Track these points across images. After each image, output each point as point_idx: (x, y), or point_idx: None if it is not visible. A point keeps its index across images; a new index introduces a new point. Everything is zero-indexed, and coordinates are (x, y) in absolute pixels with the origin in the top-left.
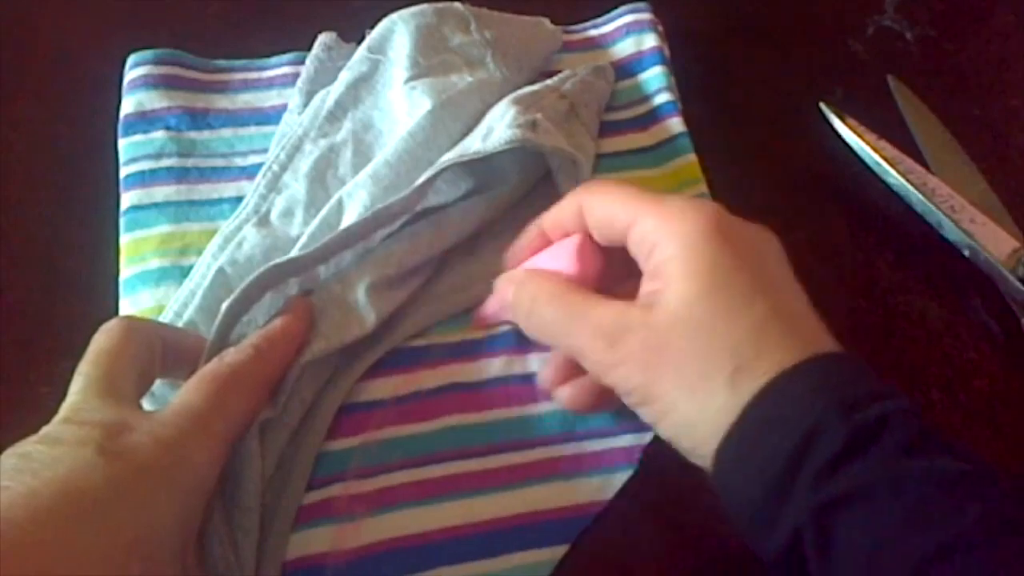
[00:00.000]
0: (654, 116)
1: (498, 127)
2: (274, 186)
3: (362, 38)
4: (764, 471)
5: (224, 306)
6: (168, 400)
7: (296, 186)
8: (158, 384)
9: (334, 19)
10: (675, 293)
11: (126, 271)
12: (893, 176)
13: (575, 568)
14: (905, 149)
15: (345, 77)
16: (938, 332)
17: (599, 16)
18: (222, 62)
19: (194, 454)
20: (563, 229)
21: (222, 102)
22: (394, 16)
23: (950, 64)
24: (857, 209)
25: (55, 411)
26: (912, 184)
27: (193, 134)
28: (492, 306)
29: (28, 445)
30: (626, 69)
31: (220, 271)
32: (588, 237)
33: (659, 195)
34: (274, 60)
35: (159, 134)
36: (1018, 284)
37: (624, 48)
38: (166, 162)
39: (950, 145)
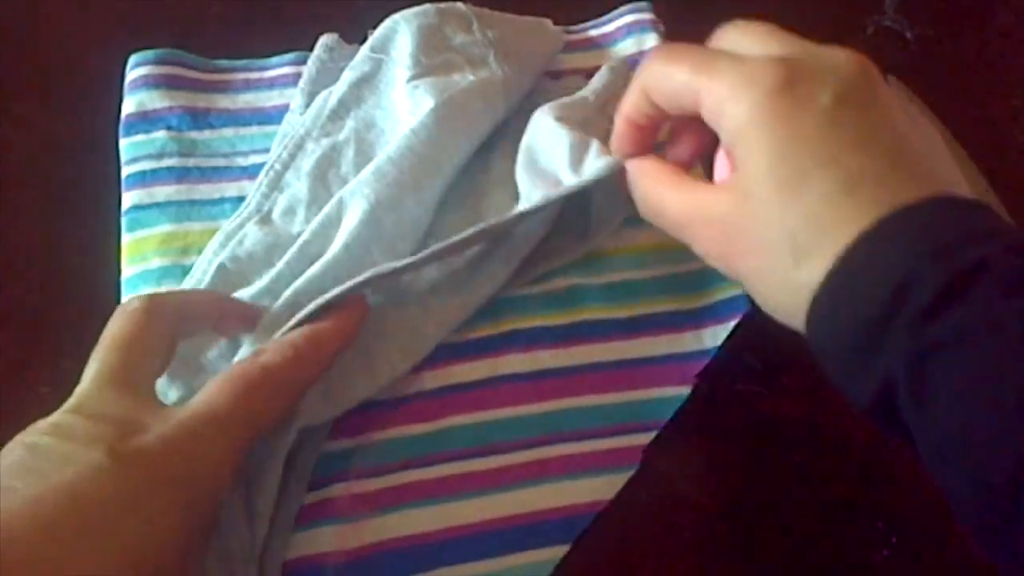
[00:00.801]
0: None
1: (587, 159)
2: (276, 185)
3: (364, 38)
4: (855, 323)
5: (310, 307)
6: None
7: (298, 185)
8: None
9: (335, 19)
10: (746, 168)
11: (128, 270)
12: None
13: (575, 568)
14: None
15: (348, 77)
16: None
17: (600, 16)
18: (223, 62)
19: (208, 460)
20: (645, 114)
21: (223, 102)
22: (396, 16)
23: (950, 64)
24: None
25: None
26: None
27: (194, 134)
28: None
29: (36, 435)
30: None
31: (221, 267)
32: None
33: (718, 57)
34: (275, 60)
35: (160, 134)
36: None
37: (625, 48)
38: (167, 162)
39: (950, 145)
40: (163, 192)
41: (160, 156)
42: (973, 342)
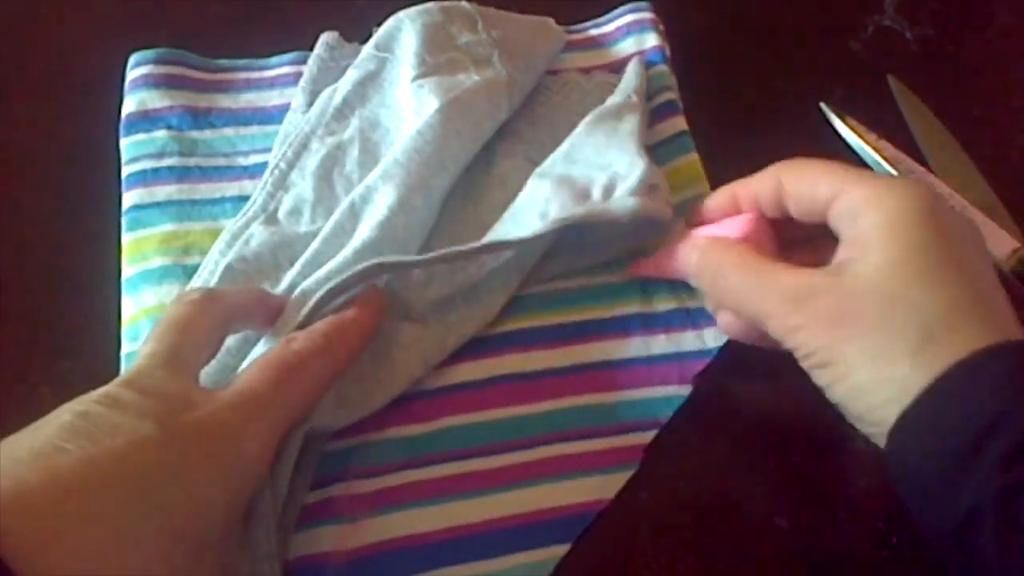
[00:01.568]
0: (655, 115)
1: (621, 186)
2: (281, 184)
3: (367, 37)
4: (947, 445)
5: (317, 296)
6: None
7: (303, 184)
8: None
9: (335, 19)
10: (871, 260)
11: (128, 270)
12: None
13: (575, 568)
14: (905, 149)
15: (352, 75)
16: None
17: (600, 16)
18: (224, 61)
19: (250, 441)
20: (755, 200)
21: (224, 101)
22: (401, 15)
23: (950, 64)
24: None
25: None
26: None
27: (195, 133)
28: (654, 266)
29: (86, 403)
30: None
31: (229, 267)
32: (760, 215)
33: (866, 171)
34: (276, 60)
35: (161, 133)
36: (1018, 284)
37: (625, 47)
38: (168, 161)
39: (950, 145)
40: (164, 191)
41: (161, 155)
42: None
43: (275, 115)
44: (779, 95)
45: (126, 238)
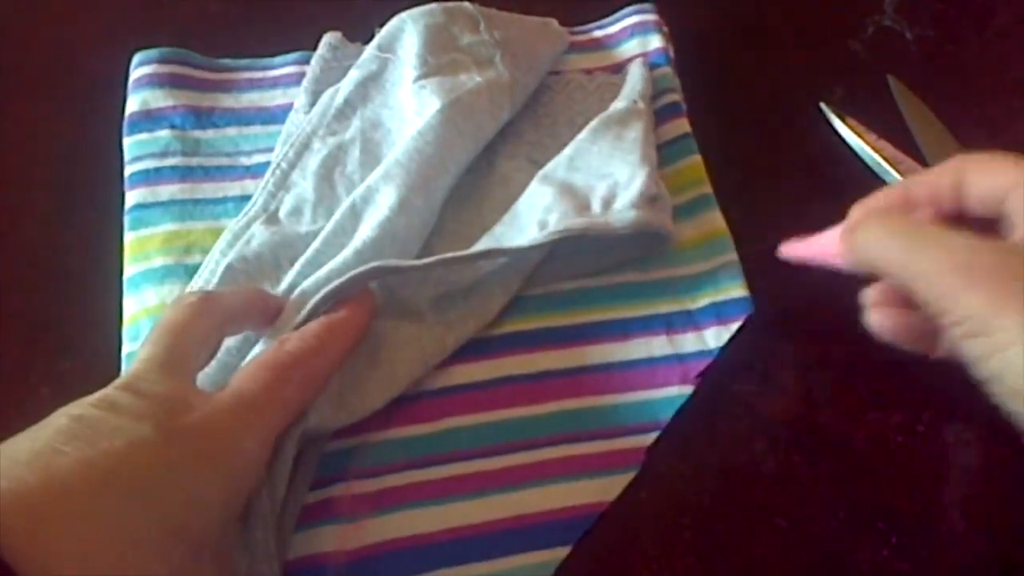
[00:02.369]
0: (659, 117)
1: (621, 197)
2: (283, 184)
3: (370, 37)
4: None
5: (315, 299)
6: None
7: (304, 184)
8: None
9: (336, 19)
10: None
11: (130, 269)
12: (893, 176)
13: (576, 570)
14: (905, 149)
15: (354, 75)
16: None
17: (604, 17)
18: (227, 61)
19: (247, 442)
20: (934, 194)
21: (227, 101)
22: (403, 15)
23: (950, 64)
24: None
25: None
26: None
27: (198, 133)
28: (806, 248)
29: (83, 407)
30: None
31: (229, 267)
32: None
33: None
34: (279, 59)
35: (164, 132)
36: None
37: (629, 49)
38: (171, 160)
39: (950, 145)
40: (166, 191)
41: (164, 155)
42: None
43: (278, 115)
44: (779, 95)
45: (128, 237)
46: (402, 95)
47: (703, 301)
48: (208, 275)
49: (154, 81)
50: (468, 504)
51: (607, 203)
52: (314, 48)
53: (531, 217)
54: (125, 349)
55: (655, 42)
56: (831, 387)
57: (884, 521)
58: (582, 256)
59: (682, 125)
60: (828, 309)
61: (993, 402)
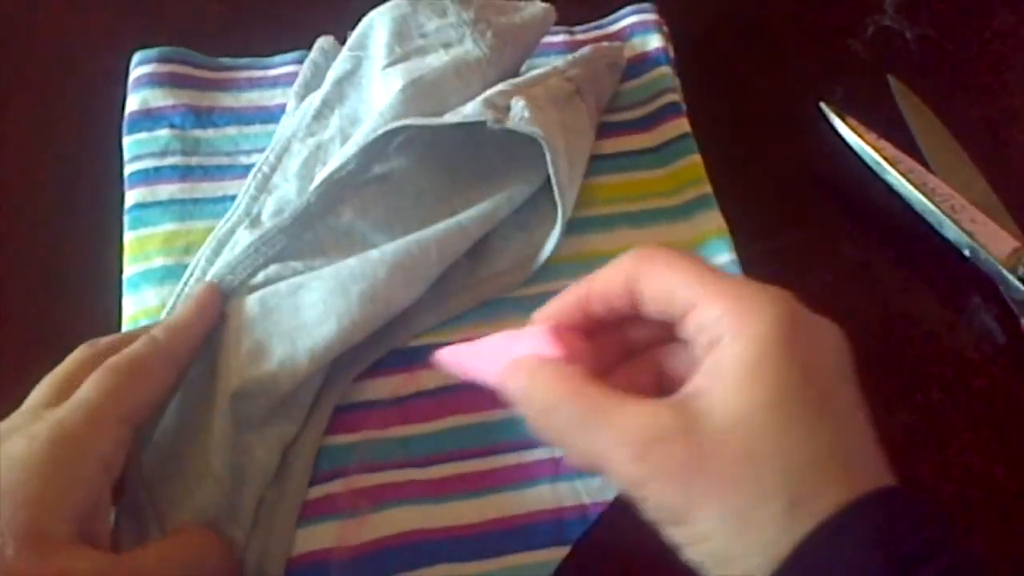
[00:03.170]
0: (658, 117)
1: (471, 104)
2: (264, 187)
3: (346, 39)
4: None
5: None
6: None
7: (286, 186)
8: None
9: (337, 19)
10: (732, 403)
11: (130, 269)
12: (893, 176)
13: (576, 569)
14: (905, 149)
15: (330, 77)
16: (938, 332)
17: (604, 16)
18: (227, 60)
19: (90, 444)
20: (608, 300)
21: (227, 100)
22: (372, 13)
23: (950, 64)
24: (857, 209)
25: None
26: (912, 184)
27: (198, 132)
28: (458, 362)
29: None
30: (631, 70)
31: (215, 276)
32: (560, 325)
33: (726, 277)
34: (279, 59)
35: (164, 132)
36: (1018, 284)
37: (629, 49)
38: (170, 160)
39: (950, 145)
40: (166, 190)
41: (163, 154)
42: None
43: (277, 114)
44: (779, 95)
45: (128, 237)
46: (374, 88)
47: None
48: (194, 283)
49: (154, 80)
50: (469, 502)
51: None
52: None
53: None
54: None
55: (655, 42)
56: None
57: None
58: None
59: (682, 125)
60: (827, 308)
61: None
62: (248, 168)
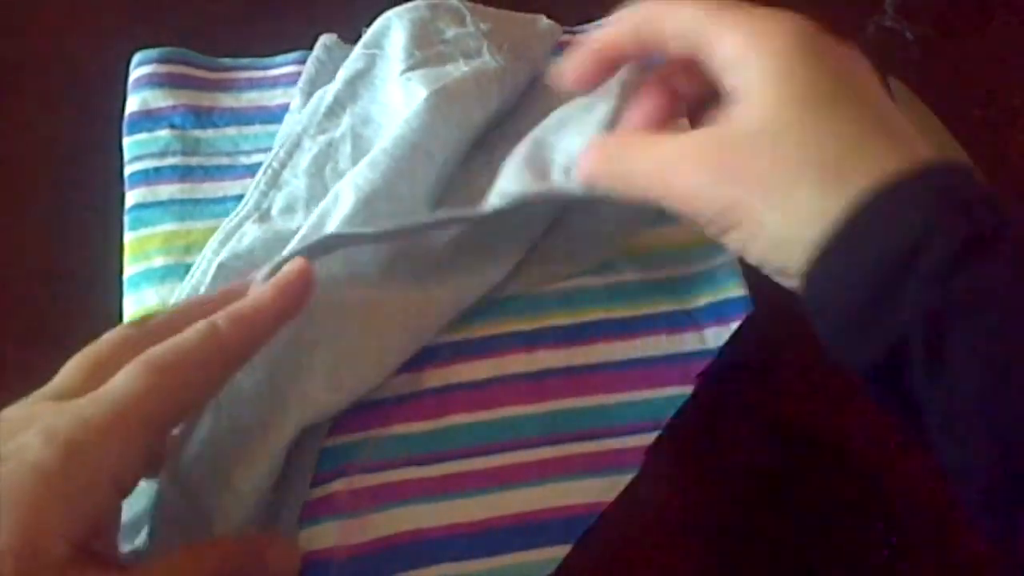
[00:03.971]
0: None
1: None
2: (274, 183)
3: (359, 37)
4: (867, 274)
5: (264, 270)
6: None
7: (296, 183)
8: None
9: (335, 19)
10: (761, 101)
11: (130, 269)
12: None
13: (576, 568)
14: None
15: (343, 74)
16: None
17: (604, 17)
18: (227, 60)
19: (108, 458)
20: (621, 50)
21: (227, 100)
22: (389, 12)
23: (950, 64)
24: None
25: None
26: None
27: (198, 132)
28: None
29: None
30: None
31: (222, 265)
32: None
33: (738, 6)
34: (279, 59)
35: (164, 132)
36: None
37: None
38: (171, 160)
39: (950, 145)
40: (166, 190)
41: (163, 154)
42: (1000, 301)
43: (278, 114)
44: None
45: (128, 237)
46: (390, 89)
47: (703, 301)
48: (200, 275)
49: (154, 81)
50: (469, 501)
51: (567, 171)
52: (312, 48)
53: (493, 191)
54: None
55: None
56: (831, 387)
57: (884, 521)
58: (574, 254)
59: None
60: None
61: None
62: (248, 168)
